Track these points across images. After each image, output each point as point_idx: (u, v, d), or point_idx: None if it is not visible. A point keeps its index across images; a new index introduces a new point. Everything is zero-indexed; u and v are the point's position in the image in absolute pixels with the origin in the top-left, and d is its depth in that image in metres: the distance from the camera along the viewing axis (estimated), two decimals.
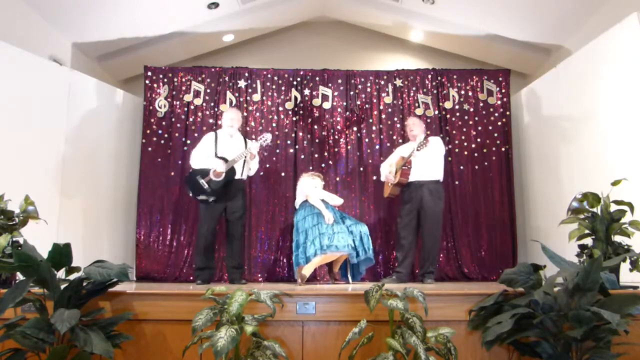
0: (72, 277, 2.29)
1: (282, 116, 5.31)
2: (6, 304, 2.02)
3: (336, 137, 5.29)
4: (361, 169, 5.22)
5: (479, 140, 5.25)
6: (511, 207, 5.13)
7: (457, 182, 5.18)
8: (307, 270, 3.96)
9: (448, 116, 5.31)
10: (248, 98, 5.31)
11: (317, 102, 5.33)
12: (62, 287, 2.19)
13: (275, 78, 5.37)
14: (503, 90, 5.34)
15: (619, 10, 3.90)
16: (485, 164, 5.20)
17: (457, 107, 5.31)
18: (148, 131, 5.15)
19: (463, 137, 5.25)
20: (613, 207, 2.76)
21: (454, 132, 5.26)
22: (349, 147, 5.27)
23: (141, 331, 2.39)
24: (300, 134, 5.28)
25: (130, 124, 5.26)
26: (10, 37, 4.01)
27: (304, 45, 5.89)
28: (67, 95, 4.49)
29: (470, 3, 4.88)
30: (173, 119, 5.21)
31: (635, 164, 3.49)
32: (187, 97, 5.26)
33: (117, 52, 5.36)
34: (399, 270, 4.31)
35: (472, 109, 5.31)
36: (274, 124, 5.28)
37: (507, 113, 5.29)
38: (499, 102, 5.31)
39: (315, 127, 5.29)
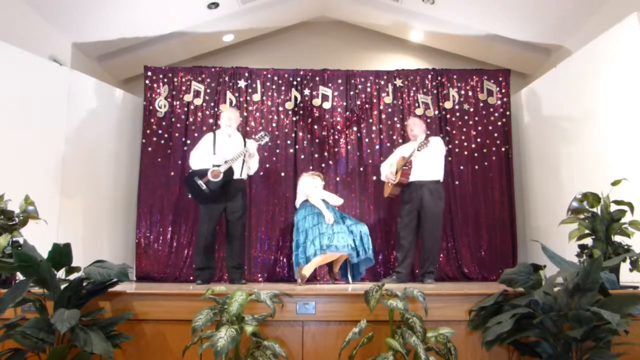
0: (72, 277, 2.29)
1: (282, 116, 5.31)
2: (6, 304, 2.02)
3: (336, 137, 5.29)
4: (361, 169, 5.22)
5: (479, 140, 5.25)
6: (511, 207, 5.13)
7: (457, 182, 5.18)
8: (307, 271, 3.96)
9: (448, 116, 5.31)
10: (248, 98, 5.31)
11: (317, 102, 5.33)
12: (62, 287, 2.19)
13: (275, 78, 5.37)
14: (503, 90, 5.34)
15: (619, 10, 3.90)
16: (485, 164, 5.20)
17: (457, 107, 5.31)
18: (148, 131, 5.16)
19: (463, 137, 5.25)
20: (613, 207, 2.76)
21: (454, 132, 5.26)
22: (349, 147, 5.27)
23: (141, 331, 2.39)
24: (300, 134, 5.28)
25: (130, 124, 5.26)
26: (10, 37, 4.01)
27: (304, 45, 5.89)
28: (67, 95, 4.49)
29: (470, 3, 4.88)
30: (173, 119, 5.21)
31: (635, 164, 3.49)
32: (187, 97, 5.26)
33: (117, 52, 5.36)
34: (399, 270, 4.31)
35: (472, 109, 5.31)
36: (274, 124, 5.28)
37: (507, 113, 5.29)
38: (499, 102, 5.31)
39: (315, 127, 5.29)
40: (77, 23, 4.72)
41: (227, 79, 5.34)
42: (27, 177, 3.86)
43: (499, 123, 5.27)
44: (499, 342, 2.18)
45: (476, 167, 5.21)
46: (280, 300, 2.36)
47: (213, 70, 5.37)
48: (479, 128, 5.27)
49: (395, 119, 5.31)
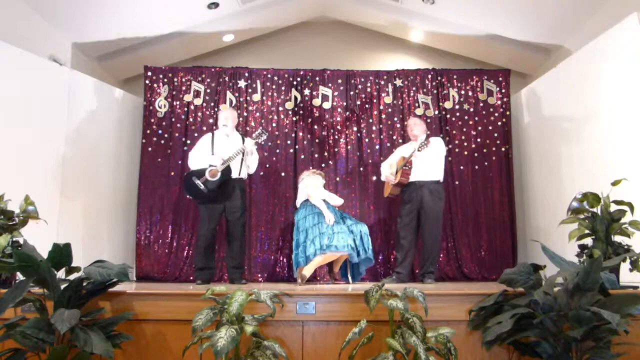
0: (72, 277, 2.29)
1: (282, 116, 5.31)
2: (6, 304, 2.02)
3: (336, 137, 5.29)
4: (361, 169, 5.22)
5: (479, 140, 5.25)
6: (511, 207, 5.13)
7: (457, 182, 5.18)
8: (307, 271, 3.96)
9: (448, 116, 5.31)
10: (248, 98, 5.31)
11: (317, 102, 5.33)
12: (62, 287, 2.19)
13: (275, 78, 5.37)
14: (503, 90, 5.34)
15: (619, 10, 3.90)
16: (485, 164, 5.20)
17: (457, 107, 5.31)
18: (148, 131, 5.16)
19: (463, 137, 5.25)
20: (613, 207, 2.77)
21: (454, 132, 5.26)
22: (349, 147, 5.27)
23: (141, 331, 2.39)
24: (300, 134, 5.28)
25: (130, 124, 5.26)
26: (10, 37, 4.01)
27: (304, 45, 5.89)
28: (67, 95, 4.49)
29: (470, 3, 4.88)
30: (173, 119, 5.21)
31: (635, 164, 3.49)
32: (187, 97, 5.26)
33: (117, 52, 5.35)
34: (399, 270, 4.31)
35: (472, 109, 5.31)
36: (274, 124, 5.28)
37: (507, 113, 5.29)
38: (499, 102, 5.31)
39: (315, 127, 5.29)
40: (77, 23, 4.72)
41: (227, 79, 5.34)
42: (27, 177, 3.86)
43: (499, 123, 5.27)
44: (499, 342, 2.18)
45: (476, 167, 5.21)
46: (280, 300, 2.36)
47: (213, 70, 5.37)
48: (479, 128, 5.27)
49: (395, 119, 5.31)
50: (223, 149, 4.23)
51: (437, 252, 4.41)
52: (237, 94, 5.31)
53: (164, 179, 5.09)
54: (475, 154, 5.23)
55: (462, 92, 5.35)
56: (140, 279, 4.86)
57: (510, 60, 5.53)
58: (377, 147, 5.25)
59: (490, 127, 5.26)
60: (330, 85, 5.37)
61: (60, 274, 2.27)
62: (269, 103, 5.32)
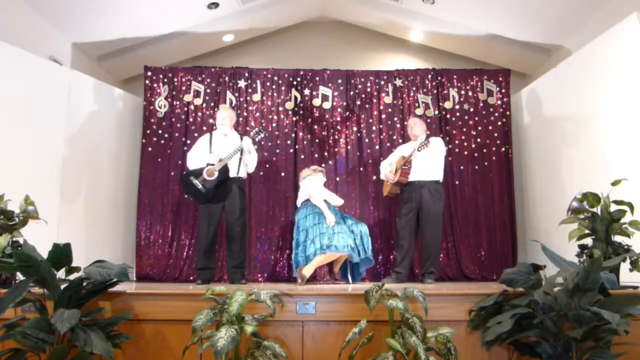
0: (72, 277, 2.29)
1: (282, 116, 5.31)
2: (6, 304, 2.02)
3: (336, 137, 5.29)
4: (361, 169, 5.22)
5: (479, 140, 5.25)
6: (511, 207, 5.13)
7: (457, 182, 5.19)
8: (308, 271, 3.96)
9: (448, 116, 5.31)
10: (248, 98, 5.31)
11: (317, 102, 5.33)
12: (62, 287, 2.19)
13: (275, 78, 5.37)
14: (503, 90, 5.34)
15: (619, 10, 3.90)
16: (485, 164, 5.20)
17: (457, 107, 5.32)
18: (148, 131, 5.16)
19: (463, 137, 5.25)
20: (613, 207, 2.77)
21: (454, 132, 5.26)
22: (349, 147, 5.27)
23: (141, 331, 2.39)
24: (300, 134, 5.28)
25: (130, 124, 5.25)
26: (10, 37, 4.01)
27: (304, 45, 5.89)
28: (67, 95, 4.49)
29: (470, 3, 4.88)
30: (173, 119, 5.21)
31: (635, 164, 3.49)
32: (187, 97, 5.26)
33: (117, 52, 5.36)
34: (398, 270, 4.31)
35: (472, 109, 5.31)
36: (274, 124, 5.28)
37: (507, 113, 5.29)
38: (499, 102, 5.31)
39: (315, 127, 5.29)
40: (77, 23, 4.72)
41: (227, 79, 5.34)
42: (27, 177, 3.86)
43: (499, 123, 5.27)
44: (499, 342, 2.18)
45: (476, 167, 5.21)
46: (280, 300, 2.36)
47: (213, 70, 5.37)
48: (479, 128, 5.27)
49: (395, 118, 5.31)
50: (221, 149, 4.23)
51: (437, 252, 4.41)
52: (237, 94, 5.31)
53: (164, 179, 5.09)
54: (475, 154, 5.23)
55: (462, 92, 5.35)
56: (140, 279, 4.86)
57: (510, 60, 5.53)
58: (377, 147, 5.25)
59: (490, 127, 5.26)
60: (330, 85, 5.37)
61: (60, 274, 2.27)
62: (269, 103, 5.32)
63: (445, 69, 5.44)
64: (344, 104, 5.34)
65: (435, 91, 5.35)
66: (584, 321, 1.97)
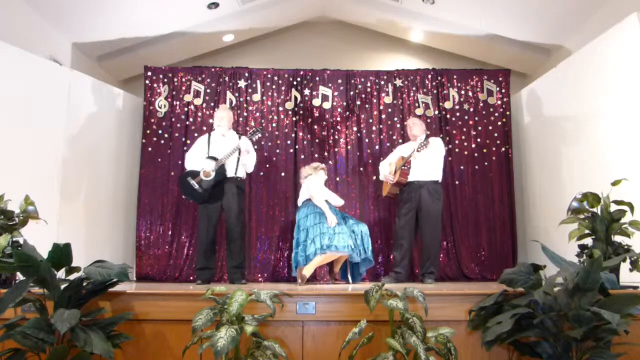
0: (72, 277, 2.29)
1: (282, 116, 5.31)
2: (6, 304, 2.02)
3: (336, 137, 5.29)
4: (361, 168, 5.22)
5: (479, 140, 5.25)
6: (511, 207, 5.13)
7: (457, 182, 5.19)
8: (308, 271, 3.96)
9: (448, 116, 5.31)
10: (248, 98, 5.31)
11: (317, 102, 5.33)
12: (62, 287, 2.19)
13: (275, 78, 5.37)
14: (503, 90, 5.34)
15: (619, 10, 3.90)
16: (485, 164, 5.20)
17: (457, 107, 5.32)
18: (148, 131, 5.16)
19: (463, 137, 5.25)
20: (613, 207, 2.77)
21: (454, 132, 5.26)
22: (349, 147, 5.27)
23: (141, 331, 2.39)
24: (300, 134, 5.28)
25: (130, 124, 5.25)
26: (10, 37, 4.01)
27: (304, 45, 5.89)
28: (67, 95, 4.49)
29: (470, 3, 4.88)
30: (173, 119, 5.21)
31: (635, 164, 3.49)
32: (187, 97, 5.26)
33: (117, 52, 5.36)
34: (397, 270, 4.31)
35: (472, 109, 5.31)
36: (274, 124, 5.28)
37: (507, 113, 5.29)
38: (499, 102, 5.31)
39: (315, 127, 5.29)
40: (77, 23, 4.72)
41: (227, 79, 5.34)
42: (27, 177, 3.86)
43: (499, 123, 5.27)
44: (499, 342, 2.18)
45: (476, 167, 5.21)
46: (280, 300, 2.36)
47: (213, 70, 5.37)
48: (479, 128, 5.27)
49: (395, 118, 5.31)
50: (219, 149, 4.23)
51: (437, 252, 4.41)
52: (237, 94, 5.31)
53: (164, 179, 5.09)
54: (475, 154, 5.23)
55: (462, 92, 5.35)
56: (140, 279, 4.86)
57: (510, 60, 5.53)
58: (377, 147, 5.25)
59: (490, 127, 5.26)
60: (330, 85, 5.37)
61: (60, 274, 2.27)
62: (269, 103, 5.32)
63: (445, 69, 5.44)
64: (344, 104, 5.34)
65: (435, 91, 5.35)
66: (584, 321, 1.97)
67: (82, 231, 4.54)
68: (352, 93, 5.36)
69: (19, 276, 2.46)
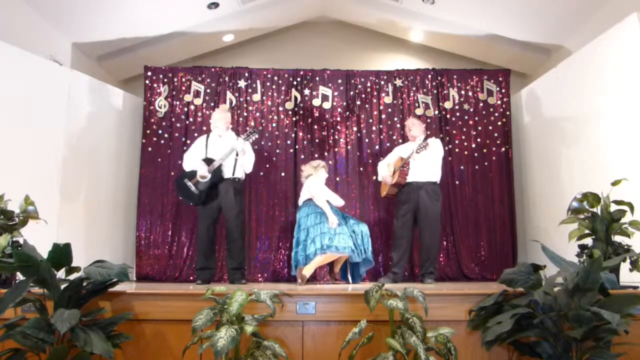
0: (72, 277, 2.29)
1: (282, 116, 5.31)
2: (6, 304, 2.02)
3: (336, 137, 5.29)
4: (361, 169, 5.22)
5: (479, 140, 5.25)
6: (511, 207, 5.13)
7: (457, 182, 5.19)
8: (308, 271, 3.96)
9: (448, 116, 5.31)
10: (248, 98, 5.31)
11: (317, 102, 5.33)
12: (62, 287, 2.19)
13: (275, 78, 5.37)
14: (503, 91, 5.34)
15: (619, 10, 3.90)
16: (485, 164, 5.20)
17: (457, 107, 5.31)
18: (148, 131, 5.16)
19: (463, 137, 5.25)
20: (613, 207, 2.77)
21: (454, 132, 5.26)
22: (349, 147, 5.27)
23: (141, 331, 2.39)
24: (300, 133, 5.28)
25: (130, 124, 5.25)
26: (10, 37, 4.01)
27: (304, 45, 5.89)
28: (67, 95, 4.49)
29: (470, 3, 4.88)
30: (173, 119, 5.21)
31: (635, 164, 3.49)
32: (187, 97, 5.26)
33: (117, 52, 5.35)
34: (395, 270, 4.32)
35: (472, 109, 5.31)
36: (274, 124, 5.27)
37: (507, 113, 5.29)
38: (499, 102, 5.31)
39: (315, 127, 5.29)
40: (77, 23, 4.72)
41: (227, 79, 5.34)
42: (27, 177, 3.86)
43: (499, 123, 5.27)
44: (499, 342, 2.18)
45: (476, 167, 5.21)
46: (280, 300, 2.36)
47: (213, 70, 5.37)
48: (479, 128, 5.27)
49: (395, 119, 5.31)
50: (216, 150, 4.24)
51: (436, 253, 4.42)
52: (237, 94, 5.31)
53: (164, 179, 5.09)
54: (475, 154, 5.22)
55: (462, 92, 5.34)
56: (140, 279, 4.86)
57: (510, 60, 5.53)
58: (377, 147, 5.25)
59: (490, 127, 5.26)
60: (330, 85, 5.37)
61: (60, 274, 2.27)
62: (269, 103, 5.32)
63: (445, 69, 5.44)
64: (344, 104, 5.34)
65: (435, 91, 5.35)
66: (584, 321, 1.97)
67: (82, 231, 4.54)
68: (352, 93, 5.36)
69: (19, 276, 2.46)
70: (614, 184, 2.83)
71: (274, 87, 5.35)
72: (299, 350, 2.37)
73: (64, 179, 4.36)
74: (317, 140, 5.26)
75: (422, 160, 4.26)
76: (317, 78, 5.38)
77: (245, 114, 5.26)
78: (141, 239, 4.98)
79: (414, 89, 5.36)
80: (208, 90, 5.29)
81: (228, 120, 4.48)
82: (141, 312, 2.40)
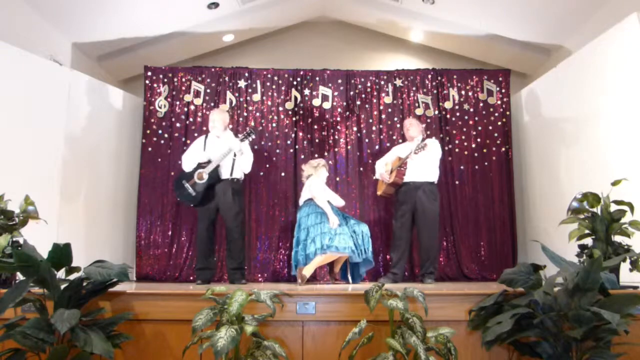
0: (72, 277, 2.29)
1: (282, 116, 5.31)
2: (6, 304, 2.02)
3: (336, 137, 5.29)
4: (361, 169, 5.22)
5: (479, 140, 5.25)
6: (511, 207, 5.13)
7: (457, 182, 5.18)
8: (308, 271, 3.96)
9: (448, 116, 5.31)
10: (248, 98, 5.31)
11: (317, 102, 5.33)
12: (62, 287, 2.19)
13: (275, 78, 5.37)
14: (503, 90, 5.34)
15: (619, 10, 3.90)
16: (485, 164, 5.20)
17: (457, 107, 5.31)
18: (148, 131, 5.16)
19: (463, 137, 5.25)
20: (613, 207, 2.77)
21: (454, 132, 5.26)
22: (349, 147, 5.27)
23: (141, 331, 2.39)
24: (300, 133, 5.27)
25: (130, 124, 5.25)
26: (10, 37, 4.01)
27: (304, 45, 5.89)
28: (67, 95, 4.49)
29: (470, 3, 4.88)
30: (173, 119, 5.21)
31: (635, 164, 3.49)
32: (187, 97, 5.26)
33: (117, 52, 5.35)
34: (395, 271, 4.32)
35: (472, 109, 5.31)
36: (274, 124, 5.27)
37: (507, 113, 5.29)
38: (499, 102, 5.31)
39: (315, 127, 5.29)
40: (77, 23, 4.72)
41: (227, 79, 5.34)
42: (27, 177, 3.86)
43: (499, 123, 5.27)
44: (499, 342, 2.18)
45: (476, 167, 5.21)
46: (280, 300, 2.36)
47: (213, 70, 5.37)
48: (479, 128, 5.27)
49: (395, 118, 5.31)
50: (214, 151, 4.24)
51: (436, 253, 4.42)
52: (237, 94, 5.31)
53: (164, 179, 5.09)
54: (475, 154, 5.22)
55: (462, 92, 5.34)
56: (140, 279, 4.86)
57: (510, 60, 5.53)
58: (377, 147, 5.25)
59: (490, 127, 5.26)
60: (330, 85, 5.37)
61: (60, 274, 2.27)
62: (269, 103, 5.32)
63: (445, 69, 5.44)
64: (344, 104, 5.34)
65: (435, 91, 5.35)
66: (584, 321, 1.97)
67: (82, 231, 4.54)
68: (352, 93, 5.36)
69: (19, 276, 2.46)
70: (614, 184, 2.83)
71: (274, 87, 5.35)
72: (299, 350, 2.37)
73: (64, 179, 4.36)
74: (317, 140, 5.26)
75: (420, 160, 4.26)
76: (317, 78, 5.38)
77: (245, 114, 5.26)
78: (141, 239, 4.98)
79: (414, 89, 5.36)
80: (208, 90, 5.29)
81: (226, 121, 4.47)
82: (141, 312, 2.41)
